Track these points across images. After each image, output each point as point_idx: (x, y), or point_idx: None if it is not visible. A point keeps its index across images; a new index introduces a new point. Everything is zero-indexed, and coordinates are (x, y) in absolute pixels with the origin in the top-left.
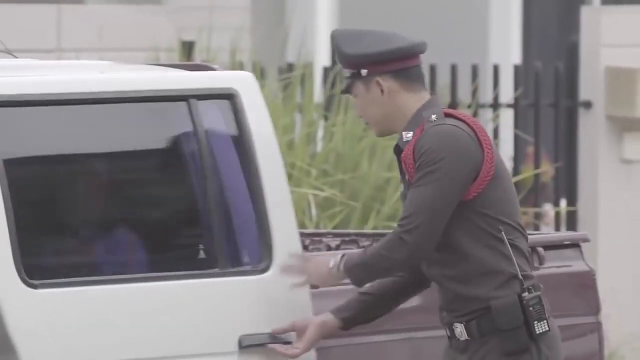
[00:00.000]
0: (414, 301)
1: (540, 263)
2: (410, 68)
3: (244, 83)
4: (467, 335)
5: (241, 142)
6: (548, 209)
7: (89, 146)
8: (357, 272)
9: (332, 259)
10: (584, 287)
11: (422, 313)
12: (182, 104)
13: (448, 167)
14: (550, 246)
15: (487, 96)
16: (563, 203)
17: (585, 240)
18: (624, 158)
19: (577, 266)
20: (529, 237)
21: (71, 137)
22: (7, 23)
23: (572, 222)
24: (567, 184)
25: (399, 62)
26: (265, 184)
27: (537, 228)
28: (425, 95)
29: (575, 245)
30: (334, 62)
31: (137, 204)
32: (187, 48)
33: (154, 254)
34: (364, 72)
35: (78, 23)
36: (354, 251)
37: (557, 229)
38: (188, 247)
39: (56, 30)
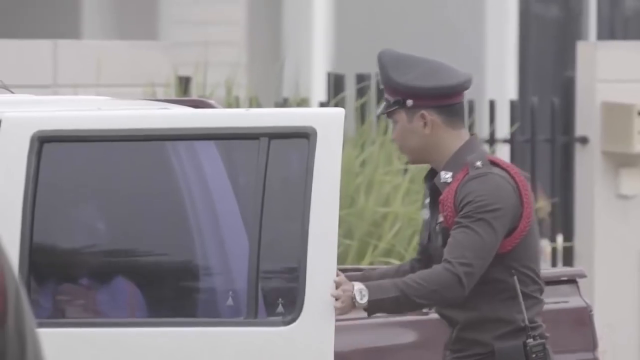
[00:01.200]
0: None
1: None
2: (455, 105)
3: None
4: None
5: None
6: (544, 244)
7: (157, 182)
8: (387, 305)
9: (355, 291)
10: (580, 323)
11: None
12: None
13: (501, 218)
14: (547, 282)
15: (483, 131)
16: (559, 238)
17: (582, 276)
18: (620, 193)
19: (574, 302)
20: None
21: (140, 172)
22: (2, 58)
23: (568, 257)
24: (563, 220)
25: (447, 99)
26: (312, 232)
27: None
28: (465, 134)
29: (572, 281)
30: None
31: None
32: (184, 83)
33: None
34: (409, 102)
35: (74, 58)
36: (378, 283)
37: (554, 264)
38: (218, 293)
39: (52, 65)
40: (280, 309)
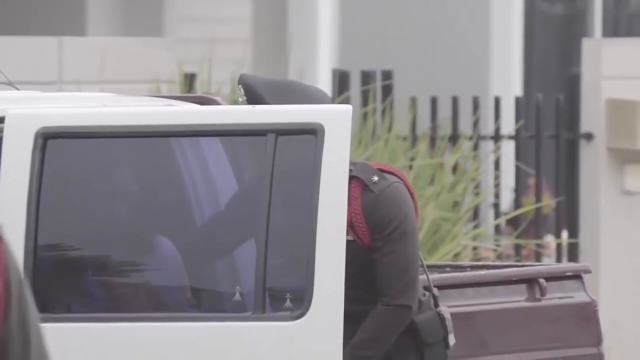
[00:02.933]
0: None
1: (542, 294)
2: None
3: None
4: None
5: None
6: (549, 240)
7: (163, 178)
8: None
9: None
10: (585, 318)
11: None
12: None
13: (412, 224)
14: (552, 277)
15: (488, 128)
16: (564, 234)
17: (587, 271)
18: (625, 190)
19: (579, 297)
20: (531, 268)
21: (145, 169)
22: (7, 55)
23: (573, 253)
24: (568, 216)
25: None
26: (320, 227)
27: (538, 260)
28: None
29: (577, 276)
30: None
31: (201, 236)
32: (189, 80)
33: (198, 292)
34: None
35: (79, 55)
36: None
37: (559, 260)
38: (225, 288)
39: (57, 62)
40: (288, 304)
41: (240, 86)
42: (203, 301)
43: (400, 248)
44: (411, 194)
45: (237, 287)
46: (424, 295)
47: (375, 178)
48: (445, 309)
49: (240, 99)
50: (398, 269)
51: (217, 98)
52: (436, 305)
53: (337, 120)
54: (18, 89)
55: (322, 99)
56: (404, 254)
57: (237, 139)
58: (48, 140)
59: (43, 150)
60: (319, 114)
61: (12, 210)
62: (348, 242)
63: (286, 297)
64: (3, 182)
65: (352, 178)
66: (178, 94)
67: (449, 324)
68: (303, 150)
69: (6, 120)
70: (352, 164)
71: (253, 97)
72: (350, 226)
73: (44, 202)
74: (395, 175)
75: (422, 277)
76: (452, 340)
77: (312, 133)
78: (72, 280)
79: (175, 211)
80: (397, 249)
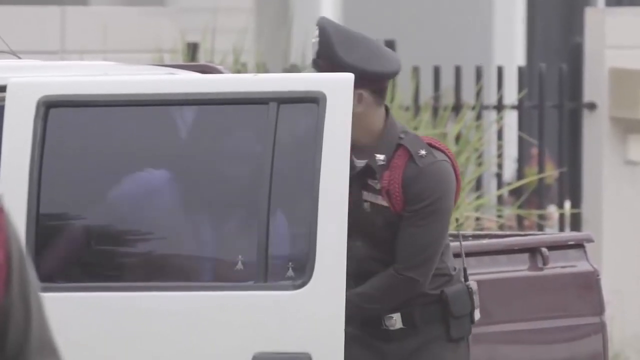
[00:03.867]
0: None
1: (544, 263)
2: (386, 87)
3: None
4: (403, 324)
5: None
6: (552, 210)
7: (165, 147)
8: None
9: None
10: (588, 287)
11: None
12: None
13: (447, 204)
14: (554, 246)
15: (491, 98)
16: (567, 205)
17: (589, 240)
18: (628, 159)
19: (581, 266)
20: (533, 237)
21: (148, 138)
22: (10, 24)
23: (576, 223)
24: (571, 186)
25: (383, 83)
26: (322, 197)
27: (541, 229)
28: (383, 110)
29: (579, 245)
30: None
31: (201, 203)
32: (191, 49)
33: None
34: None
35: (81, 25)
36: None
37: (561, 230)
38: (228, 257)
39: (60, 31)
40: (290, 273)
41: (316, 27)
42: (205, 270)
43: (427, 225)
44: (456, 174)
45: (240, 257)
46: (454, 269)
47: (423, 152)
48: (474, 283)
49: (313, 40)
50: (418, 244)
51: (220, 67)
52: (466, 279)
53: (338, 89)
54: (20, 58)
55: (394, 59)
56: (428, 232)
57: (239, 108)
58: (50, 108)
59: (45, 118)
60: (320, 83)
61: (14, 179)
62: (382, 207)
63: (288, 266)
64: (5, 151)
65: (399, 146)
66: (181, 62)
67: (476, 298)
68: (305, 119)
69: (8, 89)
70: (403, 132)
71: (325, 41)
72: (387, 192)
73: (46, 171)
74: (445, 153)
75: (455, 248)
76: (477, 315)
77: (314, 101)
78: (75, 249)
79: (177, 180)
80: (424, 224)
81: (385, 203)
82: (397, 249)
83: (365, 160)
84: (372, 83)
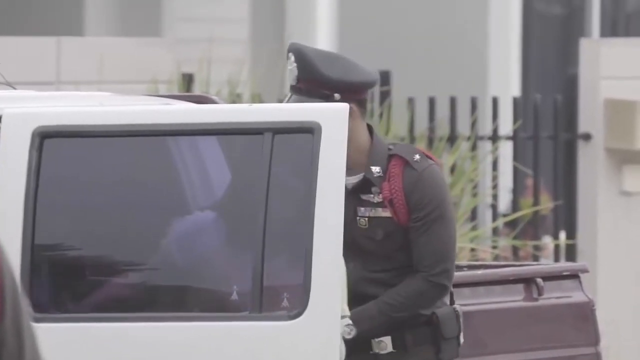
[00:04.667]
0: None
1: (540, 294)
2: (367, 99)
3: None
4: (393, 348)
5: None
6: (547, 241)
7: (161, 177)
8: (376, 330)
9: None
10: (583, 317)
11: None
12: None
13: (451, 206)
14: (549, 277)
15: (486, 128)
16: (562, 235)
17: (584, 270)
18: (623, 190)
19: (577, 297)
20: (528, 267)
21: (143, 168)
22: (6, 55)
23: (571, 254)
24: (566, 216)
25: (365, 93)
26: (317, 226)
27: (536, 260)
28: (365, 124)
29: (574, 276)
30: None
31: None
32: (187, 80)
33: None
34: (337, 96)
35: (77, 55)
36: (363, 311)
37: (557, 261)
38: (223, 287)
39: (55, 62)
40: (285, 303)
41: (290, 53)
42: (200, 301)
43: (437, 229)
44: None
45: (235, 287)
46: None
47: (417, 156)
48: (459, 307)
49: (289, 67)
50: (439, 250)
51: (215, 97)
52: (452, 302)
53: (334, 119)
54: (15, 89)
55: (369, 69)
56: (440, 236)
57: (234, 138)
58: (45, 139)
59: (40, 149)
60: (315, 113)
61: (9, 209)
62: (382, 219)
63: (283, 297)
64: (0, 181)
65: (392, 156)
66: (176, 93)
67: (461, 321)
68: (300, 149)
69: (3, 119)
70: (390, 144)
71: (304, 63)
72: (390, 203)
73: (41, 201)
74: (432, 160)
75: None
76: (461, 338)
77: (309, 132)
78: (69, 280)
79: (172, 210)
80: (434, 229)
81: (387, 214)
82: (419, 258)
83: (358, 176)
84: (357, 94)
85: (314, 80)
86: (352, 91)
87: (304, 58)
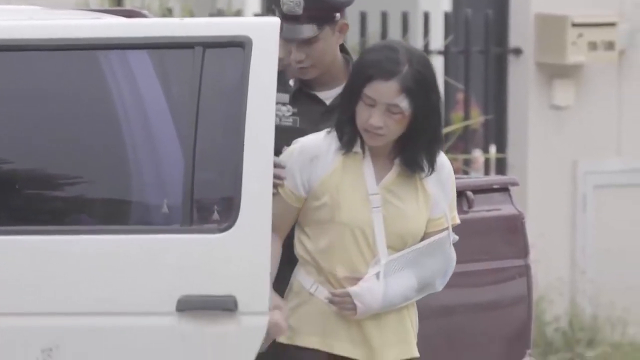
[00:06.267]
0: None
1: (469, 207)
2: None
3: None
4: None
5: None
6: (477, 155)
7: (90, 92)
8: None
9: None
10: (513, 230)
11: None
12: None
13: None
14: (479, 190)
15: (417, 43)
16: (493, 149)
17: (514, 184)
18: (553, 104)
19: (507, 210)
20: (458, 180)
21: (67, 81)
22: None
23: (501, 168)
24: (496, 131)
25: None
26: (248, 141)
27: (466, 174)
28: None
29: (504, 189)
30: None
31: (119, 149)
32: None
33: (129, 203)
34: (337, 16)
35: None
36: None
37: (487, 175)
38: (157, 200)
39: None
40: (215, 216)
41: None
42: (131, 214)
43: None
44: None
45: (165, 200)
46: None
47: None
48: None
49: (290, 2)
50: None
51: (145, 12)
52: None
53: (265, 33)
54: None
55: None
56: None
57: (165, 52)
58: None
59: None
60: (247, 27)
61: None
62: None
63: (214, 210)
64: None
65: None
66: (107, 7)
67: None
68: (231, 63)
69: None
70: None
71: None
72: None
73: None
74: None
75: None
76: None
77: (240, 46)
78: None
79: (102, 125)
80: None
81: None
82: None
83: (337, 89)
84: (342, 11)
85: (322, 5)
86: (341, 9)
87: None
